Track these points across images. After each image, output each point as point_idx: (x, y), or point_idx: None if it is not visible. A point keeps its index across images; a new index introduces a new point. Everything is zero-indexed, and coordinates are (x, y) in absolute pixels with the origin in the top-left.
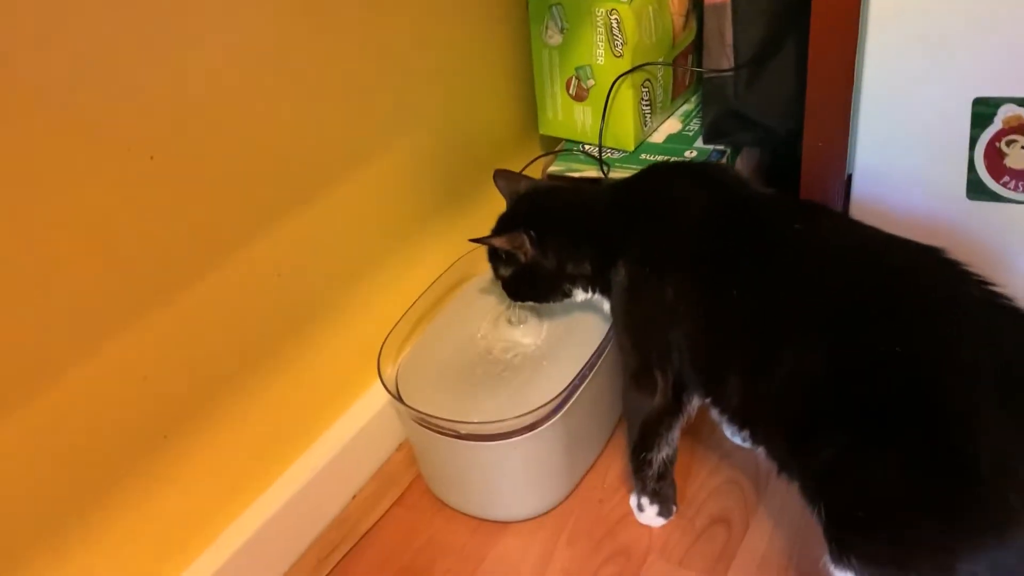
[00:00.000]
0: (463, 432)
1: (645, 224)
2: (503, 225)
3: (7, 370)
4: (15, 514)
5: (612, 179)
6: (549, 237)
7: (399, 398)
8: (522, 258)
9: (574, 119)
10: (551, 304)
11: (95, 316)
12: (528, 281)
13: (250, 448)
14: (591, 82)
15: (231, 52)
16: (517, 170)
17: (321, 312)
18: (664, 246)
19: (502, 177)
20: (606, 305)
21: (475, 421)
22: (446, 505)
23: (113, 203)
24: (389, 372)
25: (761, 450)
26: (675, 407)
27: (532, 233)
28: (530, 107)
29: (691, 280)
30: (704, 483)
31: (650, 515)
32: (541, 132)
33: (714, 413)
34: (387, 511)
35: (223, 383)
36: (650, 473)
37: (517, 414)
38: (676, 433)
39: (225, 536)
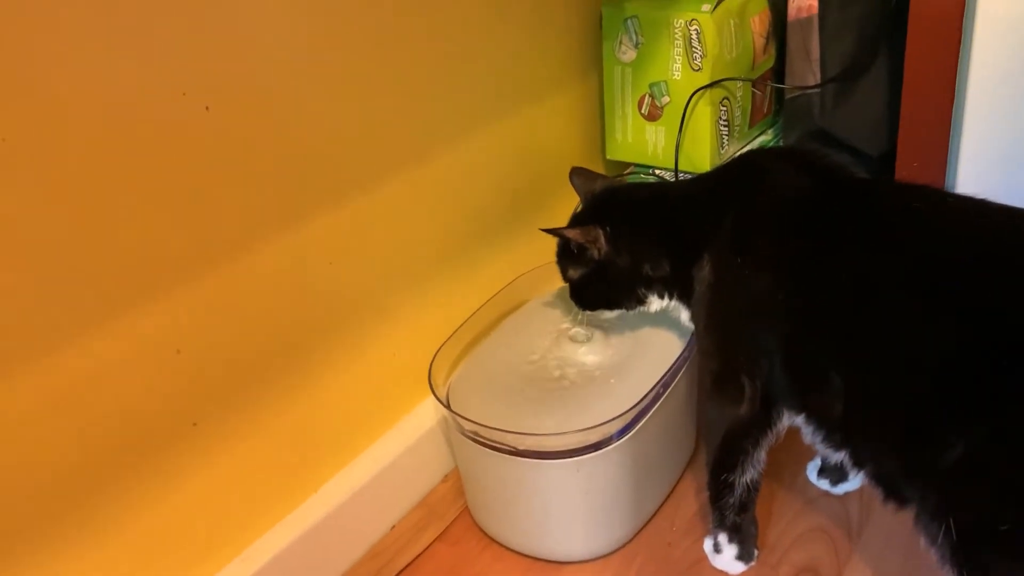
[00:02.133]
0: (520, 448)
1: (738, 210)
2: (577, 221)
3: (31, 335)
4: (27, 498)
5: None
6: (625, 233)
7: (449, 407)
8: (595, 255)
9: (645, 140)
10: (621, 318)
11: (131, 277)
12: (599, 284)
13: (282, 456)
14: (666, 99)
15: (300, 27)
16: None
17: (372, 316)
18: (761, 232)
19: (578, 175)
20: (684, 315)
21: (534, 433)
22: (495, 541)
23: (162, 151)
24: (440, 386)
25: (862, 475)
26: (763, 420)
27: (608, 228)
28: (597, 130)
29: (792, 267)
30: (787, 530)
31: (728, 558)
32: (608, 157)
33: (807, 432)
34: (428, 546)
35: (260, 374)
36: (731, 501)
37: (582, 427)
38: (763, 453)
39: (249, 553)
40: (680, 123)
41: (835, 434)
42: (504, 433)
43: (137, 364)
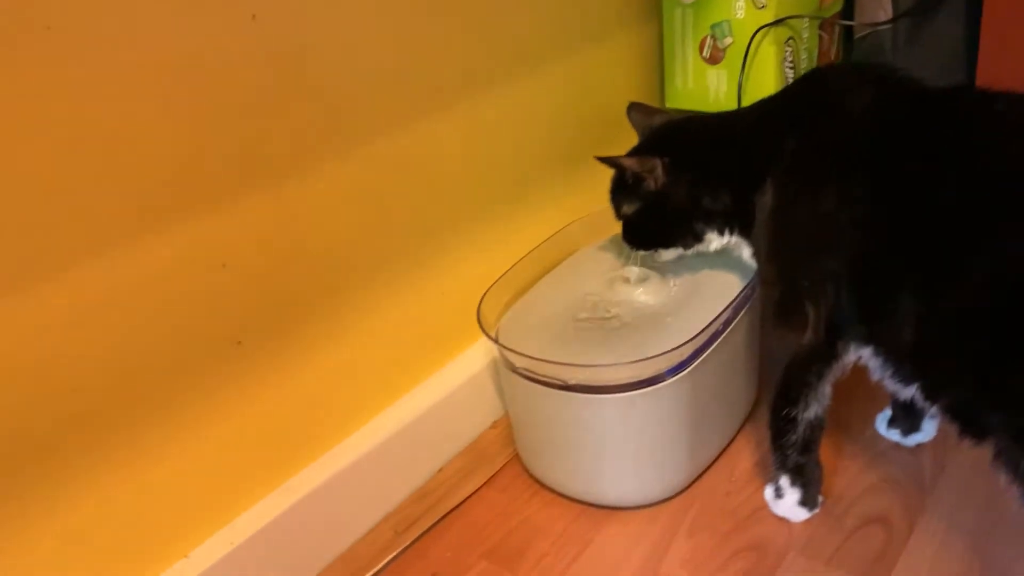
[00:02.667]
0: (571, 382)
1: (800, 129)
2: (634, 152)
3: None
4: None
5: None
6: (684, 163)
7: (498, 341)
8: (651, 186)
9: (706, 86)
10: (678, 261)
11: (178, 182)
12: (655, 220)
13: (326, 386)
14: (728, 40)
15: None
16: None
17: (423, 252)
18: (824, 150)
19: (637, 110)
20: (746, 252)
21: (586, 364)
22: (545, 487)
23: (208, 59)
24: (490, 327)
25: (934, 420)
26: (828, 350)
27: (666, 159)
28: (656, 76)
29: (859, 182)
30: (854, 481)
31: (790, 503)
32: (668, 104)
33: (875, 367)
34: (476, 491)
35: (308, 304)
36: (793, 439)
37: (636, 359)
38: (827, 387)
39: (293, 483)
40: (743, 62)
41: (906, 364)
42: (555, 366)
43: (179, 277)
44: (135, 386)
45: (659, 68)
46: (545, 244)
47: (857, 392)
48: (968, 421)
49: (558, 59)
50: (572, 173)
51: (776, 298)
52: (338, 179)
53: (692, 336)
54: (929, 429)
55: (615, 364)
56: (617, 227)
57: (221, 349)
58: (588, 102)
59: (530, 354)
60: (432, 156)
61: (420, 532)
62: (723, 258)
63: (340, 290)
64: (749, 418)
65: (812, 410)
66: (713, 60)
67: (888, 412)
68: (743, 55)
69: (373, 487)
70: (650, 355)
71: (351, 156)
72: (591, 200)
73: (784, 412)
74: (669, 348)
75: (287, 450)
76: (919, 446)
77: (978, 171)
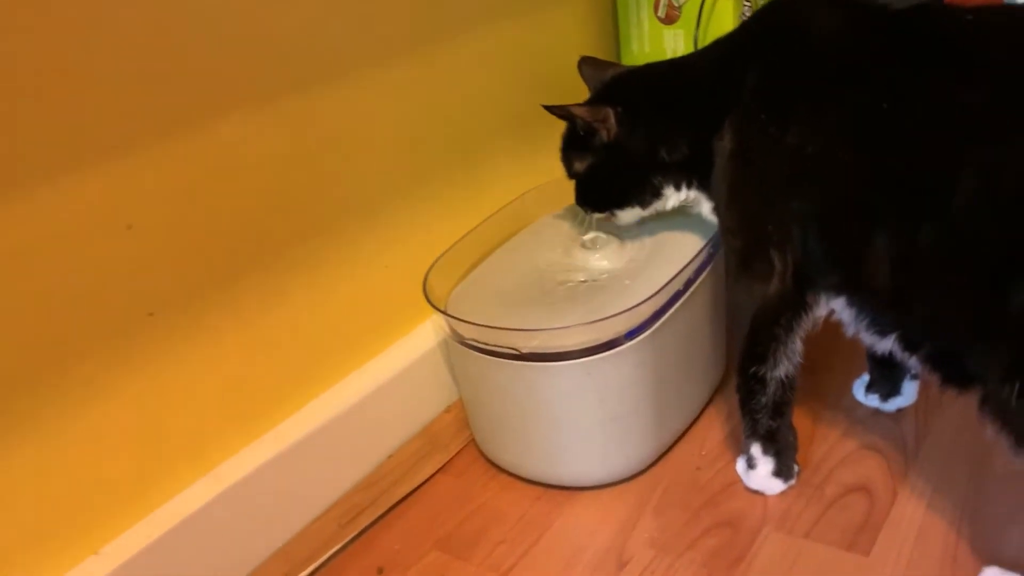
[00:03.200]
0: (523, 350)
1: (762, 62)
2: (586, 104)
3: None
4: None
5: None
6: (638, 112)
7: (443, 311)
8: (604, 138)
9: (663, 48)
10: (636, 221)
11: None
12: (609, 176)
13: (257, 364)
14: None
15: None
16: None
17: (363, 220)
18: (787, 81)
19: (588, 64)
20: (705, 207)
21: (537, 328)
22: (504, 471)
23: None
24: (438, 299)
25: (916, 360)
26: (796, 300)
27: (619, 108)
28: (611, 43)
29: (825, 112)
30: (833, 449)
31: (763, 474)
32: None
33: (849, 319)
34: (429, 477)
35: (229, 266)
36: (763, 400)
37: (589, 320)
38: (798, 342)
39: (221, 471)
40: (697, 22)
41: (882, 312)
42: (505, 333)
43: (79, 240)
44: (32, 363)
45: (614, 32)
46: (499, 214)
47: (832, 360)
48: (950, 368)
49: (507, 20)
50: (527, 142)
51: (739, 247)
52: (263, 139)
53: (650, 294)
54: (909, 392)
55: (569, 326)
56: (573, 198)
57: (130, 320)
58: (541, 68)
59: (478, 321)
60: (371, 118)
61: (367, 523)
62: (683, 219)
63: (271, 259)
64: (718, 390)
65: (782, 368)
66: (669, 20)
67: (865, 377)
68: (698, 11)
69: (315, 475)
70: (606, 315)
71: (281, 108)
72: (548, 169)
73: (752, 371)
74: (632, 304)
75: (212, 434)
76: (900, 411)
77: (953, 88)
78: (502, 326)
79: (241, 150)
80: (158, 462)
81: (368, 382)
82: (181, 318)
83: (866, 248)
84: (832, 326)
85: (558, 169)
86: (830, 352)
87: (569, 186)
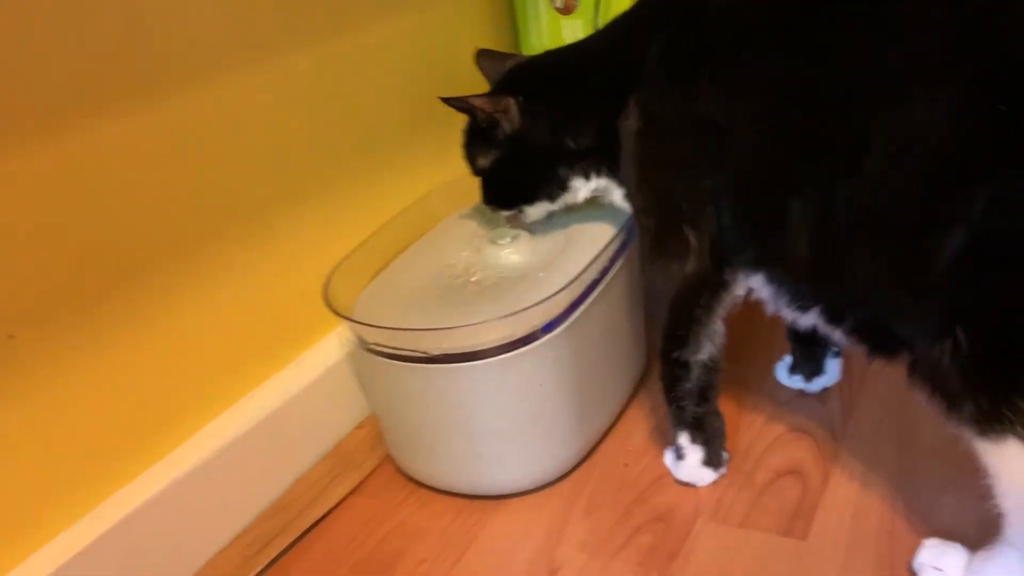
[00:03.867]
0: (434, 352)
1: (664, 33)
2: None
3: None
4: None
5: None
6: (540, 100)
7: (346, 316)
8: (507, 129)
9: (562, 39)
10: (547, 216)
11: None
12: (514, 171)
13: (143, 387)
14: None
15: None
16: None
17: (249, 229)
18: (691, 48)
19: (486, 57)
20: (616, 194)
21: (447, 327)
22: (423, 486)
23: None
24: (343, 307)
25: (840, 334)
26: (714, 279)
27: (520, 98)
28: (510, 37)
29: (733, 76)
30: (760, 435)
31: (693, 464)
32: None
33: (769, 296)
34: (343, 499)
35: (105, 279)
36: (688, 386)
37: (501, 315)
38: (719, 323)
39: (103, 510)
40: (595, 11)
41: (802, 285)
42: (412, 335)
43: None
44: None
45: (512, 25)
46: (403, 215)
47: (752, 345)
48: (877, 337)
49: (401, 14)
50: (430, 139)
51: (652, 226)
52: (134, 143)
53: (565, 284)
54: (833, 370)
55: (481, 322)
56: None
57: None
58: (439, 63)
59: (384, 324)
60: (256, 118)
61: (277, 552)
62: (596, 210)
63: (150, 273)
64: (642, 383)
65: (705, 351)
66: (567, 10)
67: (787, 359)
68: (595, 0)
69: (216, 503)
70: (519, 308)
71: (154, 114)
72: (453, 167)
73: (675, 355)
74: (546, 295)
75: (98, 464)
76: (825, 391)
77: (862, 44)
78: (409, 327)
79: (109, 156)
80: (39, 498)
81: (270, 400)
82: (51, 340)
83: (782, 219)
84: (749, 311)
85: (464, 166)
86: (750, 337)
87: (473, 184)
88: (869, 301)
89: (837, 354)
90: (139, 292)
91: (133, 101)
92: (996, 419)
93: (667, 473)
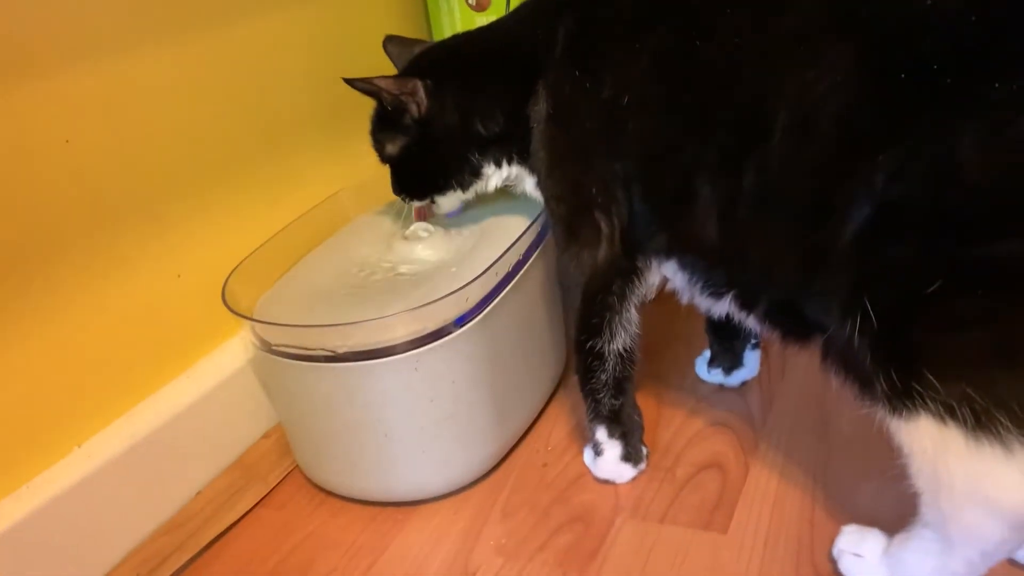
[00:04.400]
0: (341, 350)
1: (573, 13)
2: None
3: None
4: None
5: None
6: (449, 83)
7: (244, 315)
8: (415, 113)
9: None
10: (458, 207)
11: None
12: (423, 158)
13: (26, 395)
14: None
15: None
16: None
17: (153, 220)
18: (601, 32)
19: (394, 43)
20: (529, 183)
21: (353, 321)
22: (332, 495)
23: None
24: (242, 308)
25: (754, 319)
26: (627, 265)
27: (428, 81)
28: (424, 32)
29: (637, 54)
30: (681, 430)
31: (611, 461)
32: None
33: (683, 283)
34: (246, 513)
35: None
36: (603, 377)
37: (409, 307)
38: (632, 311)
39: None
40: (507, 8)
41: (714, 270)
42: (317, 332)
43: None
44: None
45: (426, 22)
46: (310, 214)
47: (670, 341)
48: (789, 321)
49: (310, 5)
50: (339, 136)
51: (563, 213)
52: (20, 121)
53: (477, 275)
54: (752, 363)
55: (389, 315)
56: (393, 196)
57: None
58: (349, 57)
59: (285, 322)
60: (148, 103)
61: (172, 570)
62: (510, 201)
63: (31, 266)
64: (560, 383)
65: (620, 340)
66: (480, 7)
67: (706, 353)
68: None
69: (106, 519)
70: (428, 300)
71: (42, 88)
72: (365, 166)
73: (589, 345)
74: (456, 287)
75: None
76: (744, 384)
77: (763, 15)
78: (313, 323)
79: None
80: None
81: (163, 409)
82: None
83: (690, 201)
84: (666, 306)
85: (375, 167)
86: (668, 333)
87: (384, 185)
88: (780, 282)
89: (756, 346)
90: (18, 288)
91: (18, 81)
92: (907, 395)
93: (587, 472)
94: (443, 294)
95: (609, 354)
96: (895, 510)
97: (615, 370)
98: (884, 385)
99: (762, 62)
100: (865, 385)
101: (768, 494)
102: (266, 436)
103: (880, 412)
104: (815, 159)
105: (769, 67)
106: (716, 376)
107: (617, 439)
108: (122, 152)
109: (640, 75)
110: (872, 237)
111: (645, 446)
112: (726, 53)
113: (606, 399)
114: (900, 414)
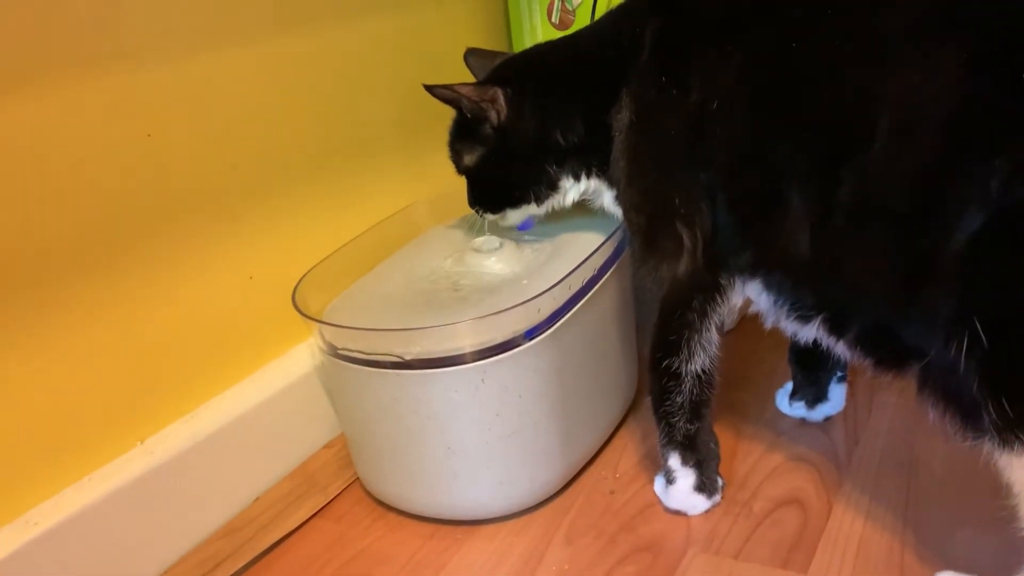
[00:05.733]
0: (407, 357)
1: (660, 23)
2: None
3: None
4: None
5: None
6: (529, 92)
7: (314, 317)
8: (494, 122)
9: None
10: (530, 222)
11: None
12: (501, 169)
13: (87, 388)
14: (577, 1)
15: None
16: None
17: (230, 220)
18: (689, 38)
19: (475, 55)
20: (607, 197)
21: (420, 327)
22: (392, 509)
23: None
24: (314, 309)
25: (844, 345)
26: (709, 281)
27: (508, 89)
28: (505, 44)
29: (728, 59)
30: (759, 463)
31: (684, 490)
32: None
33: (768, 304)
34: (304, 522)
35: (51, 276)
36: (679, 400)
37: (484, 314)
38: (713, 330)
39: (33, 515)
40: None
41: (802, 290)
42: (384, 336)
43: None
44: None
45: (507, 38)
46: (383, 224)
47: (751, 373)
48: (884, 346)
49: (393, 23)
50: (416, 151)
51: (643, 224)
52: (83, 125)
53: (549, 286)
54: (837, 397)
55: (457, 322)
56: (467, 210)
57: None
58: (432, 75)
59: (354, 325)
60: (229, 105)
61: (229, 574)
62: (586, 218)
63: (104, 264)
64: (632, 410)
65: (698, 360)
66: (563, 25)
67: (788, 386)
68: (591, 14)
69: (164, 520)
70: (504, 307)
71: (113, 94)
72: (440, 181)
73: (665, 363)
74: (528, 297)
75: (26, 473)
76: (827, 419)
77: (866, 15)
78: (381, 327)
79: (54, 136)
80: None
81: (227, 410)
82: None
83: (781, 212)
84: (747, 335)
85: (450, 182)
86: (748, 363)
87: (461, 200)
88: (876, 301)
89: (842, 379)
90: (91, 276)
91: (106, 72)
92: (1020, 425)
93: (657, 502)
94: (525, 298)
95: (686, 375)
96: (996, 558)
97: (692, 393)
98: (994, 415)
99: (864, 64)
100: (969, 416)
101: (853, 535)
102: (328, 446)
103: (987, 446)
104: (922, 164)
105: (871, 69)
106: (798, 410)
107: (691, 467)
108: (202, 150)
109: (730, 79)
110: (984, 247)
111: (721, 477)
112: (825, 55)
113: (681, 423)
114: (1012, 447)
